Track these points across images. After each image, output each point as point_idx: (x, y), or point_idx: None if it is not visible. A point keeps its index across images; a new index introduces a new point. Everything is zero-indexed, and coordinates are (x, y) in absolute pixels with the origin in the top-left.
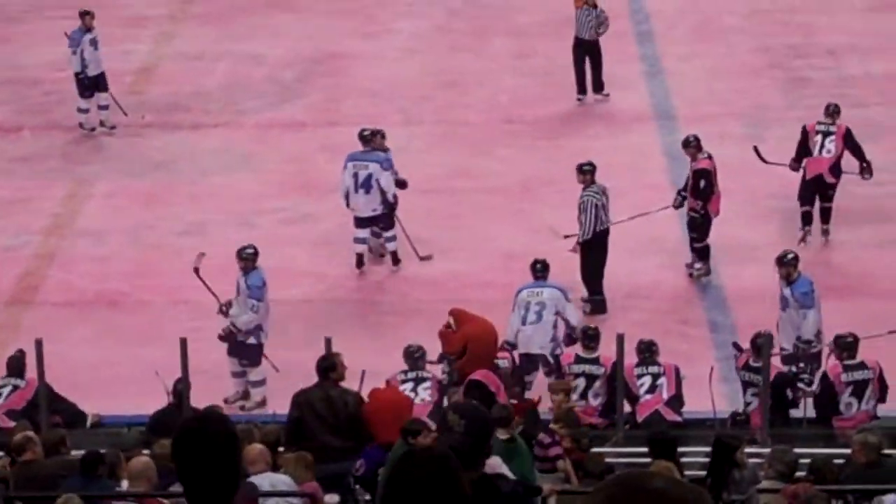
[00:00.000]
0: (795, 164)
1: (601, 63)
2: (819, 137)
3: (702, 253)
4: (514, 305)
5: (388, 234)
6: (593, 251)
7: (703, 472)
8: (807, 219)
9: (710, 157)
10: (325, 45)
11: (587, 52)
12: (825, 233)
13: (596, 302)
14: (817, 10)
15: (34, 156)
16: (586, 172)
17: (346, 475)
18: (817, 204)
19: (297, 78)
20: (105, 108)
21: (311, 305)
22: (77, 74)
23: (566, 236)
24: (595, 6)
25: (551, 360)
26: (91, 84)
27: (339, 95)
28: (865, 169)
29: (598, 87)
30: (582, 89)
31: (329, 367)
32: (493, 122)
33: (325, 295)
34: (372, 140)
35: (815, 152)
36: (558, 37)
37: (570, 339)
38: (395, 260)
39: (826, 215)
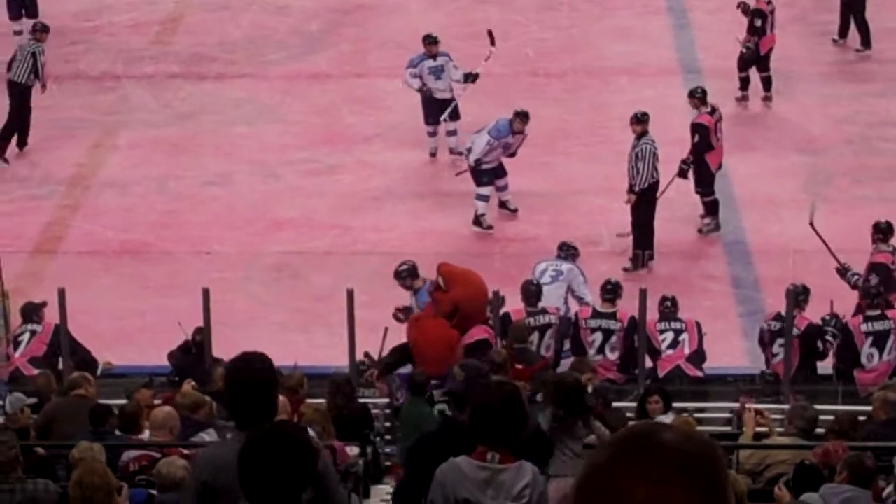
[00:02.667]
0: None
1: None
2: (771, 17)
3: (711, 207)
4: (531, 272)
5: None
6: (647, 203)
7: (725, 428)
8: (745, 83)
9: (712, 111)
10: None
11: None
12: (768, 99)
13: (641, 257)
14: None
15: (59, 105)
16: (644, 121)
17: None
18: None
19: (322, 29)
20: (20, 33)
21: (333, 257)
22: None
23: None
24: None
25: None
26: (18, 4)
27: (365, 47)
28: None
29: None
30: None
31: None
32: (517, 75)
33: (349, 247)
34: None
35: (768, 31)
36: None
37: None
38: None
39: (769, 83)
